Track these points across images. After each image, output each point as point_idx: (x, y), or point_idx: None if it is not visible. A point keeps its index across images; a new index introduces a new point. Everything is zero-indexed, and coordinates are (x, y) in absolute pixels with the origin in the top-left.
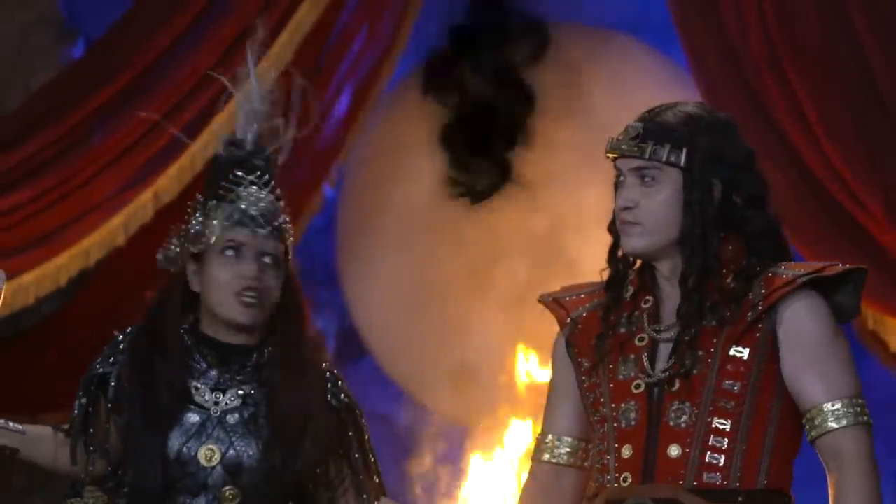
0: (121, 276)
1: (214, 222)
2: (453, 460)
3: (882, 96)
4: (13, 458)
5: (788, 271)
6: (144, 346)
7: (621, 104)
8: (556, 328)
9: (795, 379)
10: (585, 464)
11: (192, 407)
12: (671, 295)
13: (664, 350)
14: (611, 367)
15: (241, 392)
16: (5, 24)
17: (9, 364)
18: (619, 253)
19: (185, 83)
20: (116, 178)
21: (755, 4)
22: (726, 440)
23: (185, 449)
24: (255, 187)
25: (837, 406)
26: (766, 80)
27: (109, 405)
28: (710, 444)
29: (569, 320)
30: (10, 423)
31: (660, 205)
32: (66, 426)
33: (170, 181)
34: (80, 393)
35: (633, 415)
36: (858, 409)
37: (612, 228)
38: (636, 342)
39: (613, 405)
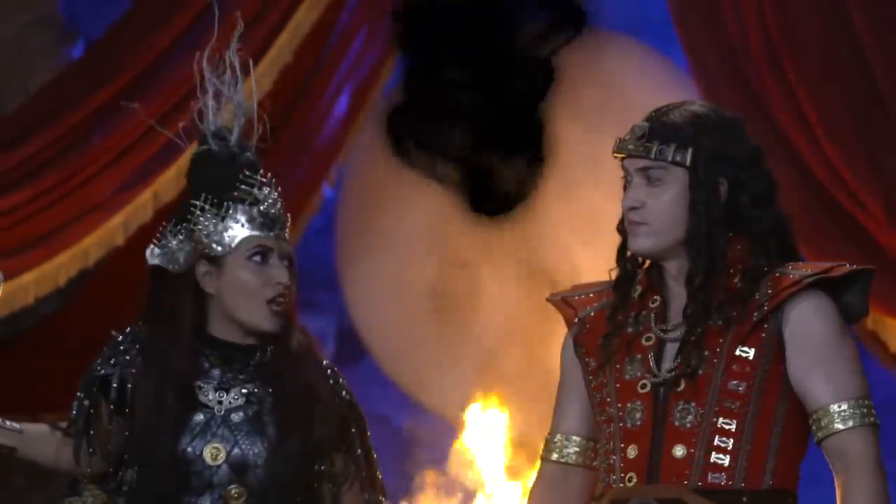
0: (120, 276)
1: (237, 225)
2: (453, 461)
3: (882, 96)
4: (11, 457)
5: (796, 271)
6: (156, 347)
7: (620, 105)
8: (559, 328)
9: (802, 379)
10: (594, 463)
11: (197, 406)
12: (679, 294)
13: (671, 350)
14: (617, 366)
15: (244, 391)
16: (5, 25)
17: (8, 364)
18: (628, 253)
19: (185, 84)
20: (116, 178)
21: (755, 5)
22: (731, 440)
23: (190, 448)
24: (266, 188)
25: (844, 407)
26: (765, 80)
27: (112, 406)
28: (715, 444)
29: (576, 319)
30: (7, 422)
31: (666, 204)
32: (63, 424)
33: (169, 181)
34: (82, 394)
35: (638, 415)
36: (865, 410)
37: (621, 228)
38: (643, 342)
39: (620, 405)
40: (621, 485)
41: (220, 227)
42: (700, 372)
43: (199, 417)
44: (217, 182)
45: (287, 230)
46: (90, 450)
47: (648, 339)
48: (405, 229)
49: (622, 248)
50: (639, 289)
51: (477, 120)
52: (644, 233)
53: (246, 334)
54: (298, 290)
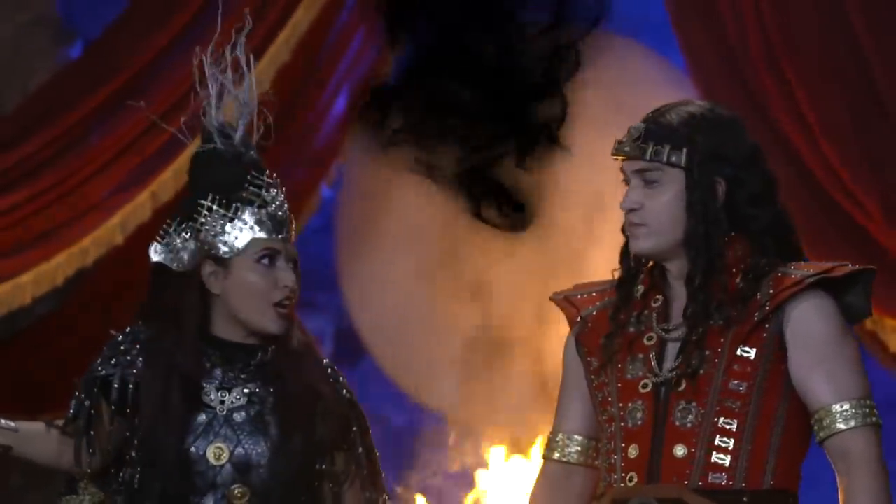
0: (118, 275)
1: (245, 227)
2: (453, 460)
3: (880, 96)
4: (6, 456)
5: (797, 271)
6: (159, 346)
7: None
8: (559, 328)
9: (803, 379)
10: (596, 463)
11: (200, 406)
12: (680, 294)
13: (672, 349)
14: (619, 366)
15: (246, 390)
16: (3, 25)
17: (6, 364)
18: (631, 254)
19: (183, 83)
20: (114, 177)
21: (753, 5)
22: (732, 440)
23: (193, 448)
24: (273, 189)
25: (846, 407)
26: (764, 80)
27: (113, 407)
28: (715, 444)
29: (579, 319)
30: (2, 421)
31: (663, 206)
32: (59, 422)
33: (167, 181)
34: (82, 395)
35: (639, 414)
36: (867, 410)
37: (625, 229)
38: (644, 341)
39: (621, 404)
40: (622, 484)
41: (228, 228)
42: (701, 372)
43: (202, 417)
44: (225, 181)
45: (292, 232)
46: (91, 450)
47: (650, 338)
48: (404, 229)
49: (625, 249)
50: (641, 288)
51: (477, 118)
52: (643, 234)
53: (248, 334)
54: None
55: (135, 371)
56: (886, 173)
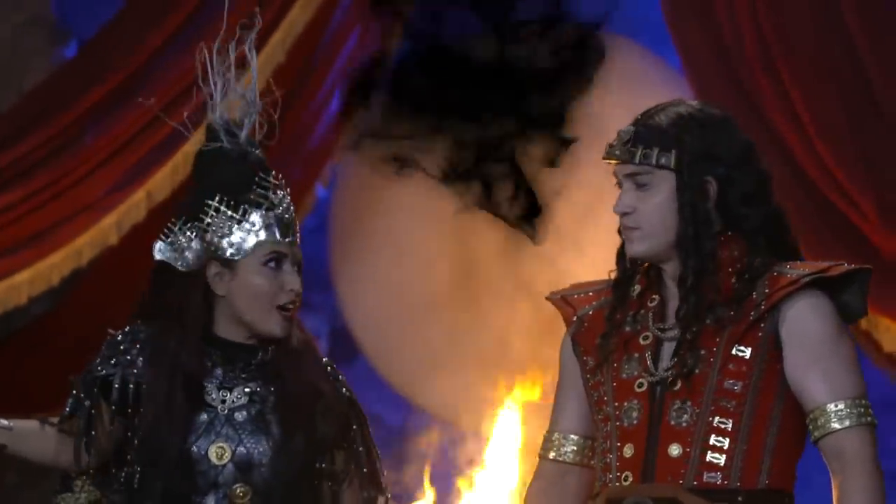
0: (113, 275)
1: (253, 230)
2: (447, 460)
3: (875, 97)
4: (1, 454)
5: (793, 271)
6: (162, 345)
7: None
8: (553, 327)
9: (798, 378)
10: (591, 462)
11: (201, 406)
12: (676, 295)
13: (668, 349)
14: (615, 365)
15: (247, 390)
16: None
17: (1, 363)
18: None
19: (178, 83)
20: (109, 177)
21: (749, 5)
22: (727, 440)
23: (195, 448)
24: (280, 191)
25: (841, 406)
26: (759, 80)
27: (113, 407)
28: (710, 443)
29: (575, 318)
30: None
31: (655, 208)
32: (53, 419)
33: (162, 180)
34: (82, 394)
35: (635, 414)
36: (862, 410)
37: (620, 231)
38: (640, 340)
39: (616, 404)
40: (617, 484)
41: (235, 229)
42: (696, 371)
43: (203, 417)
44: (232, 182)
45: (298, 235)
46: (91, 450)
47: (646, 338)
48: (399, 229)
49: (621, 250)
50: (638, 288)
51: (474, 117)
52: (637, 237)
53: (251, 335)
54: None
55: (135, 371)
56: (881, 173)
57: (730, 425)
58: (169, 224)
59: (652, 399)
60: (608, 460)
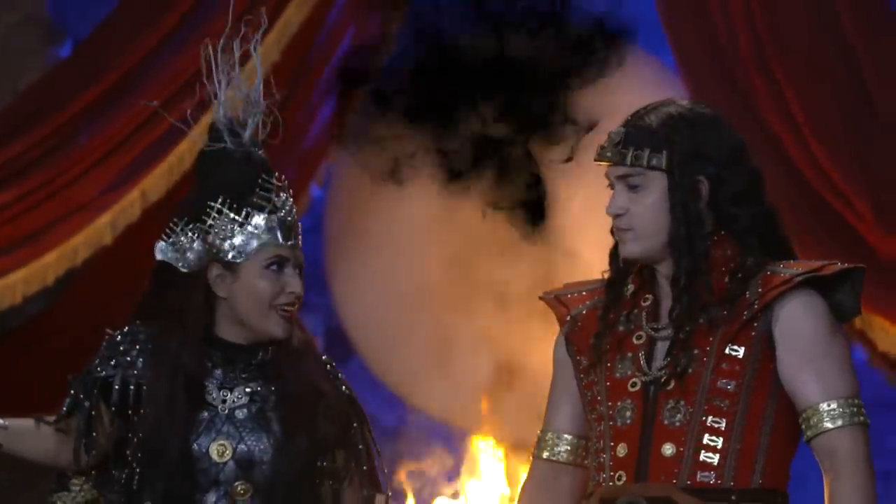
0: (108, 275)
1: (256, 232)
2: (441, 460)
3: (870, 96)
4: None
5: (786, 270)
6: (163, 346)
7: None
8: (548, 327)
9: (791, 378)
10: (585, 462)
11: (202, 404)
12: (670, 294)
13: (661, 348)
14: (608, 364)
15: (248, 389)
16: None
17: None
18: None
19: (173, 82)
20: (103, 177)
21: (743, 5)
22: (721, 439)
23: (196, 445)
24: (283, 193)
25: (833, 406)
26: (754, 80)
27: (113, 409)
28: (704, 442)
29: (568, 318)
30: None
31: (648, 209)
32: (49, 418)
33: (157, 180)
34: (81, 395)
35: (628, 413)
36: (855, 409)
37: (613, 232)
38: (634, 340)
39: (610, 403)
40: (611, 483)
41: (237, 232)
42: (690, 371)
43: (204, 415)
44: (235, 183)
45: (300, 237)
46: (92, 451)
47: (639, 337)
48: (393, 229)
49: (614, 250)
50: (631, 287)
51: (470, 117)
52: (631, 238)
53: (252, 337)
54: None
55: (135, 372)
56: (876, 173)
57: (723, 425)
58: (171, 224)
59: (645, 398)
60: (602, 460)
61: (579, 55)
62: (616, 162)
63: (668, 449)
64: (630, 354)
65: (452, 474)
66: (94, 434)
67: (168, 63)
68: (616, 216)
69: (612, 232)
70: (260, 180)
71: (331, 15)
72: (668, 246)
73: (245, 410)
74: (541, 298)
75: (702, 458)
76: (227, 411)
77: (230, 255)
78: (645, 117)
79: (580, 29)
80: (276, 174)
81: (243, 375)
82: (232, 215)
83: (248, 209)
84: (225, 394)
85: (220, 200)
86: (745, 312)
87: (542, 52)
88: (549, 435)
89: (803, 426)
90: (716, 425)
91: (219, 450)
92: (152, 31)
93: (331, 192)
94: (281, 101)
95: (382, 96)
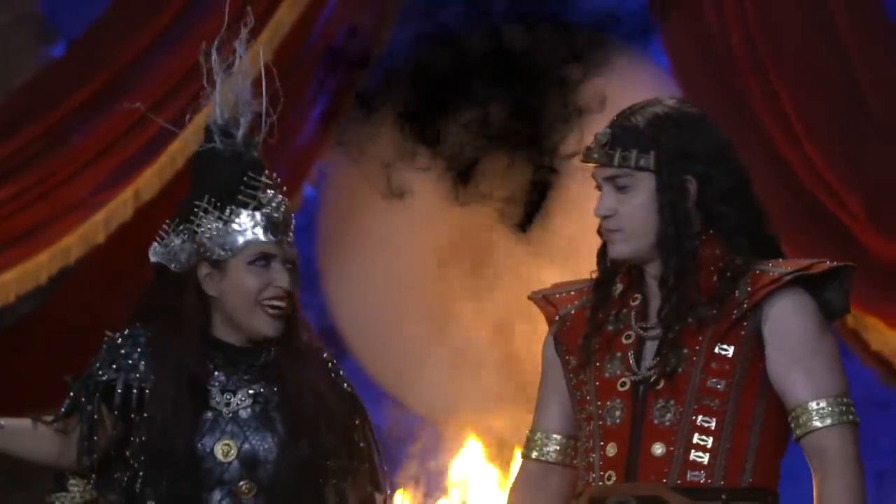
0: (101, 273)
1: (241, 230)
2: (435, 460)
3: (863, 97)
4: None
5: (775, 269)
6: (164, 347)
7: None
8: (540, 327)
9: (781, 377)
10: (574, 462)
11: (206, 405)
12: (658, 294)
13: (650, 348)
14: (597, 364)
15: (251, 391)
16: None
17: None
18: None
19: (166, 82)
20: (96, 176)
21: (737, 5)
22: (711, 438)
23: (200, 445)
24: (271, 190)
25: (822, 404)
26: (747, 80)
27: (116, 412)
28: (694, 442)
29: (557, 317)
30: None
31: (636, 209)
32: (47, 418)
33: (150, 179)
34: (82, 398)
35: (618, 413)
36: (844, 408)
37: (601, 232)
38: (623, 340)
39: (599, 403)
40: (600, 483)
41: (222, 230)
42: (679, 370)
43: (208, 415)
44: (221, 182)
45: (291, 233)
46: (94, 455)
47: (628, 336)
48: (386, 228)
49: (602, 251)
50: (620, 287)
51: (464, 116)
52: (620, 239)
53: (247, 338)
54: None
55: (137, 375)
56: (870, 173)
57: (713, 424)
58: (164, 226)
59: (635, 398)
60: (591, 459)
61: (573, 55)
62: (604, 163)
63: (657, 448)
64: (619, 354)
65: (445, 474)
66: (95, 438)
67: (161, 63)
68: (604, 217)
69: (598, 232)
70: (245, 178)
71: (323, 14)
72: (657, 246)
73: (249, 410)
74: (530, 298)
75: (692, 457)
76: (230, 414)
77: (217, 254)
78: (631, 118)
79: (575, 28)
80: (266, 172)
81: (245, 377)
82: (217, 213)
83: (233, 206)
84: (228, 397)
85: (206, 199)
86: (735, 311)
87: (536, 51)
88: (538, 435)
89: (792, 425)
90: (706, 425)
91: (224, 449)
92: (145, 31)
93: (323, 191)
94: (273, 101)
95: (375, 95)
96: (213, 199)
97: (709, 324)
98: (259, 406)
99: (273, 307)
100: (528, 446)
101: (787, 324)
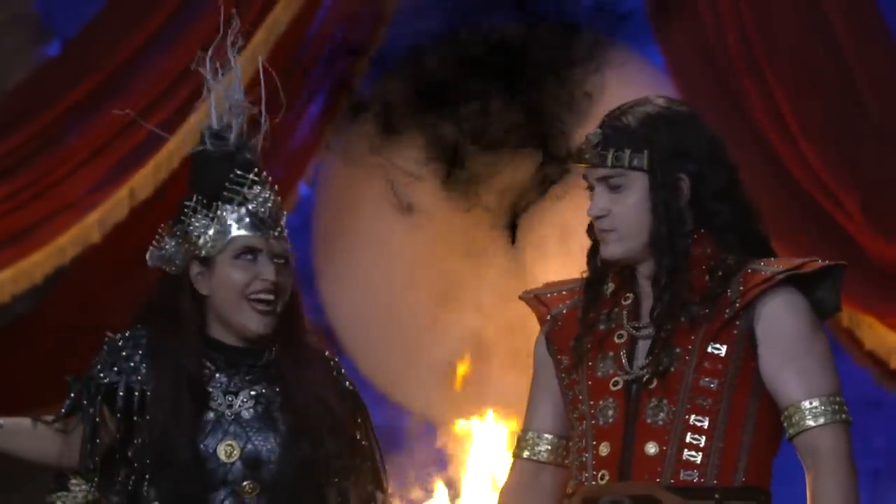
0: (96, 273)
1: (225, 226)
2: (430, 460)
3: (860, 97)
4: None
5: (767, 268)
6: (164, 349)
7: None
8: (533, 327)
9: (773, 376)
10: (565, 461)
11: (207, 406)
12: (650, 293)
13: (643, 347)
14: (590, 364)
15: (252, 392)
16: None
17: None
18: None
19: (161, 82)
20: (92, 175)
21: (733, 5)
22: (704, 437)
23: (203, 447)
24: (258, 187)
25: (815, 404)
26: (743, 80)
27: (118, 415)
28: (687, 441)
29: (549, 317)
30: None
31: (630, 209)
32: (47, 418)
33: (145, 179)
34: (84, 400)
35: (611, 412)
36: (836, 407)
37: (591, 232)
38: (615, 339)
39: (592, 402)
40: (593, 482)
41: (210, 227)
42: (672, 369)
43: (210, 416)
44: (207, 182)
45: (281, 229)
46: (96, 457)
47: (620, 336)
48: (382, 228)
49: (592, 251)
50: (611, 286)
51: (459, 115)
52: (613, 239)
53: (236, 335)
54: None
55: (139, 378)
56: (866, 173)
57: (706, 423)
58: (160, 229)
59: (628, 397)
60: (584, 459)
61: (570, 54)
62: (596, 164)
63: (651, 448)
64: (612, 353)
65: (439, 474)
66: (98, 440)
67: (156, 63)
68: (598, 217)
69: (588, 232)
70: (232, 175)
71: (319, 14)
72: (650, 245)
73: (251, 411)
74: (521, 298)
75: (685, 456)
76: (233, 416)
77: (205, 251)
78: (622, 117)
79: (573, 28)
80: (256, 170)
81: (247, 378)
82: (204, 212)
83: (217, 203)
84: (230, 399)
85: (193, 199)
86: (727, 311)
87: (532, 51)
88: (530, 434)
89: (785, 424)
90: (699, 424)
91: (226, 450)
92: (140, 30)
93: (319, 191)
94: (268, 101)
95: (371, 94)
96: (200, 198)
97: (701, 323)
98: (261, 407)
99: (260, 301)
100: (519, 446)
101: (780, 323)
